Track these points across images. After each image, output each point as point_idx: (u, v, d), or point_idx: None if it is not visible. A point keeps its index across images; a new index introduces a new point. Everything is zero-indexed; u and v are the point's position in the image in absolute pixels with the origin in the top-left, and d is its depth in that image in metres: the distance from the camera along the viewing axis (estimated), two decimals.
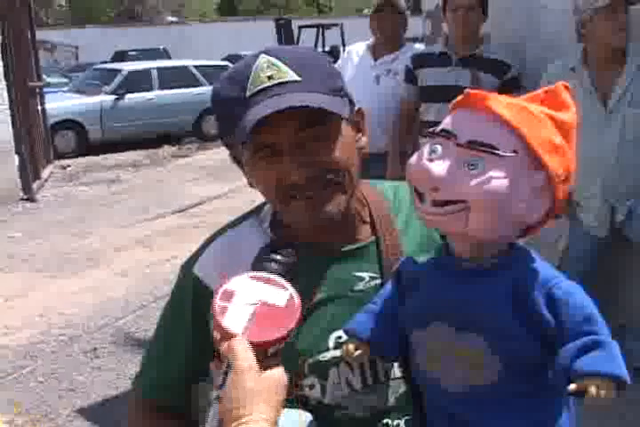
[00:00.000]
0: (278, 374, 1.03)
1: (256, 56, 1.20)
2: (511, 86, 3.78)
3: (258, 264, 1.13)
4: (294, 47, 1.35)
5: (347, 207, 1.25)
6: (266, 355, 1.03)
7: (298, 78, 1.18)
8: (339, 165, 1.21)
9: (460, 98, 1.10)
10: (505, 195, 1.02)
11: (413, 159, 1.10)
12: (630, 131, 3.40)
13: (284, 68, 1.18)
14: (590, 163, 3.44)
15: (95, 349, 4.63)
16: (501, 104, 1.05)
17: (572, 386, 0.97)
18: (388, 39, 4.51)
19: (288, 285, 1.08)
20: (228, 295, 1.06)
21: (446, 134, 1.07)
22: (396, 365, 1.27)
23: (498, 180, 1.02)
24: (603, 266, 3.72)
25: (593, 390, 0.96)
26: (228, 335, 1.02)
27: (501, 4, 4.19)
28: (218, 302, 1.05)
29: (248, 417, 0.95)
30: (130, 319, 5.08)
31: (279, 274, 1.10)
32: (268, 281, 1.08)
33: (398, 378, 1.27)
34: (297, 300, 1.07)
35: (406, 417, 1.27)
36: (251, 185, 1.29)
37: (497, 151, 1.02)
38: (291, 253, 1.14)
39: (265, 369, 1.01)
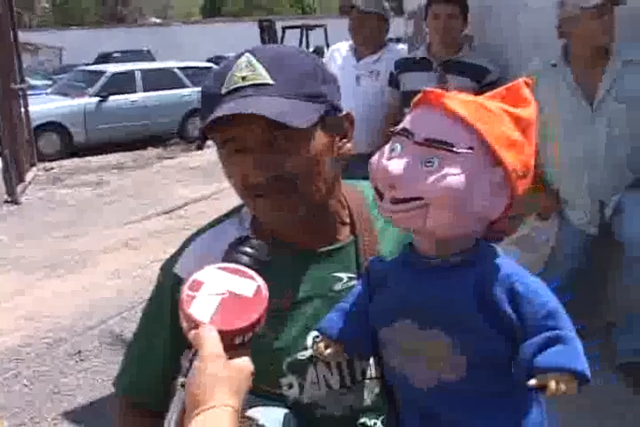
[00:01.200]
0: (244, 362, 1.03)
1: (239, 56, 1.22)
2: (490, 90, 3.79)
3: (228, 256, 1.13)
4: (281, 47, 1.35)
5: (308, 213, 1.24)
6: (232, 344, 1.03)
7: (270, 82, 1.19)
8: (299, 170, 1.20)
9: (418, 97, 1.11)
10: (462, 191, 1.03)
11: (374, 158, 1.12)
12: (617, 126, 3.40)
13: (260, 69, 1.19)
14: (578, 160, 3.47)
15: (81, 351, 4.61)
16: (457, 101, 1.07)
17: (532, 381, 0.98)
18: (366, 41, 4.53)
19: (257, 276, 1.09)
20: (197, 285, 1.07)
21: (405, 133, 1.08)
22: (372, 364, 1.28)
23: (454, 176, 1.03)
24: (589, 263, 3.73)
25: (553, 385, 0.96)
26: (195, 324, 1.03)
27: (482, 2, 4.21)
28: (186, 291, 1.06)
29: (211, 403, 0.95)
30: (116, 321, 5.07)
31: (249, 266, 1.10)
32: (237, 272, 1.09)
33: (375, 378, 1.28)
34: (265, 291, 1.07)
35: (383, 416, 1.28)
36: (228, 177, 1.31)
37: (452, 148, 1.03)
38: (262, 246, 1.15)
39: (231, 358, 1.02)
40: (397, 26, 5.32)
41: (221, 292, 1.06)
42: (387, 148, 1.10)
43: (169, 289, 1.34)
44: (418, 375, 1.13)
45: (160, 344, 1.37)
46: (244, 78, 1.19)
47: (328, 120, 1.24)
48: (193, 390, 0.97)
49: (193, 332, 1.03)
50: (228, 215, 1.41)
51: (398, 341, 1.15)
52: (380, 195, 1.10)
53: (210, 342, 1.00)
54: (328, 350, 1.19)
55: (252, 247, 1.14)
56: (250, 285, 1.07)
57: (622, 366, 3.46)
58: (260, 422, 1.14)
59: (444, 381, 1.10)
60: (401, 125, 1.10)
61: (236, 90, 1.18)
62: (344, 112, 1.29)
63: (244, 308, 1.05)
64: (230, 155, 1.22)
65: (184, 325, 1.06)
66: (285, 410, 1.20)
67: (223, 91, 1.19)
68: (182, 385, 1.00)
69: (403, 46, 5.12)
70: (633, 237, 3.40)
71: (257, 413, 1.16)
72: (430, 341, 1.10)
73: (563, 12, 3.45)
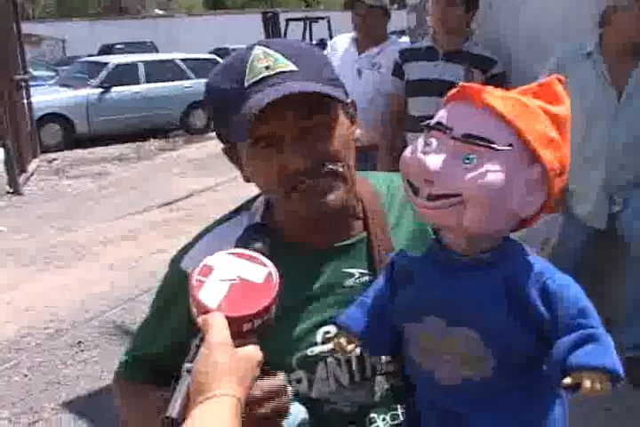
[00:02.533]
0: (252, 351, 1.01)
1: (250, 48, 1.20)
2: (496, 82, 3.79)
3: (241, 242, 1.12)
4: (286, 39, 1.35)
5: (347, 199, 1.24)
6: (241, 331, 1.01)
7: (295, 68, 1.17)
8: (338, 156, 1.20)
9: (454, 91, 1.09)
10: (500, 189, 1.01)
11: (407, 152, 1.09)
12: (639, 124, 3.37)
13: (280, 58, 1.18)
14: (597, 152, 3.44)
15: (80, 342, 4.62)
16: (496, 97, 1.04)
17: (567, 380, 0.97)
18: (368, 34, 4.52)
19: (268, 262, 1.07)
20: (207, 270, 1.05)
21: (441, 128, 1.05)
22: (382, 360, 1.27)
23: (493, 174, 1.01)
24: (590, 257, 3.72)
25: (588, 383, 0.95)
26: (203, 309, 1.02)
27: None
28: (196, 276, 1.05)
29: (214, 392, 0.94)
30: (116, 313, 5.07)
31: (261, 252, 1.09)
32: (248, 258, 1.07)
33: (385, 374, 1.27)
34: (275, 277, 1.05)
35: (392, 412, 1.27)
36: (247, 180, 1.28)
37: (492, 145, 1.01)
38: (274, 231, 1.13)
39: (239, 346, 1.00)
40: (400, 19, 5.31)
41: (231, 277, 1.04)
42: (420, 142, 1.08)
43: (175, 284, 1.33)
44: (443, 373, 1.12)
45: (164, 335, 1.36)
46: (267, 68, 1.16)
47: (345, 106, 1.25)
48: (197, 378, 0.96)
49: (201, 317, 1.02)
50: (236, 212, 1.39)
51: (423, 337, 1.13)
52: (415, 190, 1.08)
53: (217, 328, 0.99)
54: (350, 346, 1.18)
55: (265, 233, 1.13)
56: (260, 271, 1.06)
57: (622, 361, 3.45)
58: None
59: (470, 378, 1.09)
60: (435, 119, 1.08)
61: (260, 81, 1.16)
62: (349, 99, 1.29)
63: (253, 294, 1.03)
64: (263, 151, 1.19)
65: (193, 310, 1.05)
66: (298, 405, 1.19)
67: (247, 83, 1.16)
68: (188, 371, 0.98)
69: (405, 39, 5.10)
70: (636, 235, 3.39)
71: None
72: (457, 337, 1.09)
73: (610, 0, 3.39)
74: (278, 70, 1.16)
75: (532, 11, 3.96)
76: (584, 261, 3.69)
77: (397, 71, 4.28)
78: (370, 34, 4.49)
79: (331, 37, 21.28)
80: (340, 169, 1.20)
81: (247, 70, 1.17)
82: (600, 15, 3.48)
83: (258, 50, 1.19)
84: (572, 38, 3.56)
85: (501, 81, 3.84)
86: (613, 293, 3.68)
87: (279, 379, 1.08)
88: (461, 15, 4.02)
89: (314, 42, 21.08)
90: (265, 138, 1.18)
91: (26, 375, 4.23)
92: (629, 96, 3.39)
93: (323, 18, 21.86)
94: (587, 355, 0.97)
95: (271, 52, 1.18)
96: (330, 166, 1.19)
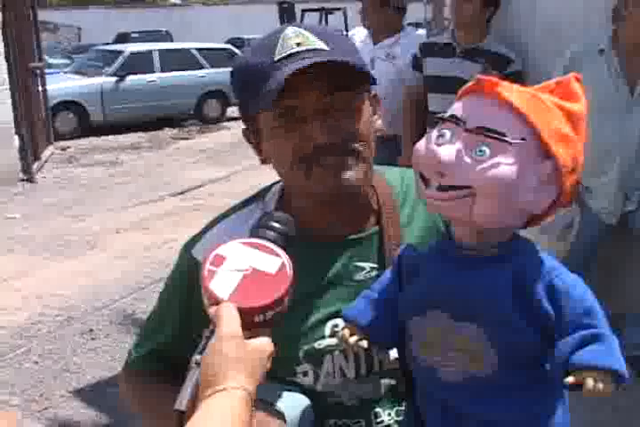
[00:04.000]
0: (263, 343, 1.00)
1: (282, 28, 1.20)
2: (512, 81, 3.76)
3: (255, 231, 1.10)
4: (317, 25, 1.36)
5: (365, 179, 1.23)
6: (253, 323, 1.00)
7: (326, 47, 1.18)
8: (361, 135, 1.20)
9: (470, 84, 1.09)
10: (511, 182, 1.01)
11: (421, 144, 1.09)
12: None
13: (311, 37, 1.18)
14: (610, 147, 3.41)
15: (91, 330, 4.64)
16: (512, 91, 1.04)
17: (570, 378, 0.96)
18: (377, 31, 4.58)
19: (282, 252, 1.05)
20: (219, 260, 1.03)
21: (455, 120, 1.05)
22: (390, 355, 1.26)
23: (505, 166, 1.00)
24: (603, 253, 3.70)
25: (590, 383, 0.95)
26: (214, 300, 1.01)
27: None
28: (208, 266, 1.03)
29: (224, 385, 0.93)
30: (127, 301, 5.09)
31: (275, 242, 1.07)
32: (261, 248, 1.05)
33: (391, 369, 1.26)
34: (289, 268, 1.04)
35: (397, 407, 1.27)
36: (263, 162, 1.28)
37: (505, 138, 1.01)
38: (290, 221, 1.11)
39: (250, 337, 0.98)
40: (418, 10, 5.30)
41: (244, 268, 1.02)
42: (434, 133, 1.07)
43: (185, 271, 1.33)
44: (446, 368, 1.11)
45: (171, 322, 1.36)
46: (298, 44, 1.17)
47: (371, 92, 1.26)
48: (207, 370, 0.95)
49: (212, 308, 1.00)
50: (251, 200, 1.38)
51: (428, 331, 1.13)
52: (426, 181, 1.07)
53: (228, 320, 0.97)
54: (353, 338, 1.17)
55: (278, 222, 1.11)
56: (274, 261, 1.04)
57: (630, 358, 3.43)
58: (277, 408, 1.12)
59: (473, 374, 1.09)
60: (449, 112, 1.08)
61: (290, 56, 1.16)
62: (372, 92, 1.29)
63: (265, 285, 1.01)
64: (289, 123, 1.19)
65: (205, 301, 1.03)
66: (303, 397, 1.19)
67: (277, 57, 1.16)
68: (197, 363, 0.97)
69: (421, 31, 5.08)
70: None
71: (274, 398, 1.14)
72: (462, 333, 1.09)
73: None
74: (310, 47, 1.17)
75: (551, 2, 3.92)
76: (599, 256, 3.66)
77: (416, 65, 4.28)
78: (382, 30, 4.53)
79: (347, 29, 21.21)
80: (361, 148, 1.20)
81: (278, 46, 1.17)
82: (612, 10, 3.44)
83: (289, 29, 1.20)
84: (592, 30, 3.51)
85: (518, 79, 3.81)
86: (628, 290, 3.66)
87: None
88: (477, 10, 3.99)
89: None
90: (289, 110, 1.18)
91: (36, 362, 4.25)
92: None
93: (339, 9, 21.78)
94: (590, 355, 0.97)
95: (303, 31, 1.19)
96: (353, 144, 1.19)
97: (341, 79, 1.15)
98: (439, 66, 4.10)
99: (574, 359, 0.97)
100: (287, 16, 19.28)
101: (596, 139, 3.38)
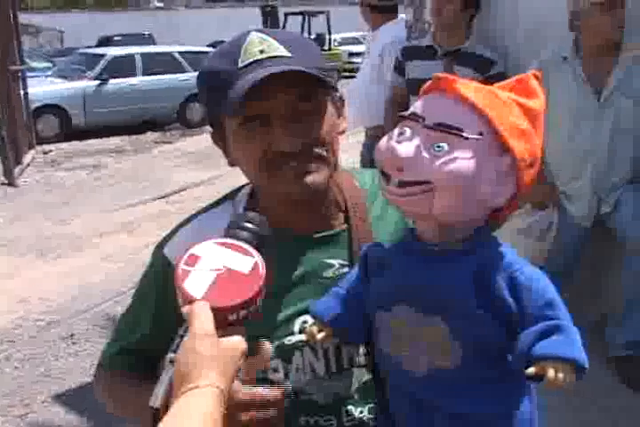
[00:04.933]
0: (236, 342, 1.00)
1: (246, 33, 1.22)
2: (494, 83, 3.77)
3: (228, 231, 1.11)
4: (282, 30, 1.38)
5: (328, 182, 1.26)
6: (226, 321, 1.01)
7: (289, 54, 1.20)
8: (325, 140, 1.23)
9: (429, 83, 1.12)
10: (469, 176, 1.03)
11: (382, 141, 1.11)
12: (624, 122, 3.38)
13: (275, 43, 1.20)
14: (582, 153, 3.45)
15: (73, 334, 4.61)
16: (469, 88, 1.07)
17: (531, 369, 0.97)
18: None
19: (255, 252, 1.07)
20: (193, 260, 1.05)
21: (415, 117, 1.08)
22: (360, 352, 1.27)
23: (462, 160, 1.03)
24: (585, 255, 3.72)
25: (551, 373, 0.96)
26: (188, 299, 1.01)
27: None
28: (182, 266, 1.04)
29: (197, 382, 0.93)
30: (109, 305, 5.06)
31: (248, 242, 1.08)
32: (234, 248, 1.07)
33: (362, 366, 1.28)
34: (262, 268, 1.05)
35: (369, 405, 1.28)
36: (231, 164, 1.30)
37: (463, 133, 1.03)
38: (263, 221, 1.13)
39: (224, 336, 0.99)
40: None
41: (217, 267, 1.04)
42: (395, 131, 1.10)
43: (158, 270, 1.35)
44: (412, 361, 1.13)
45: (145, 321, 1.37)
46: (261, 51, 1.19)
47: (335, 96, 1.28)
48: (180, 368, 0.96)
49: (186, 307, 1.01)
50: (222, 200, 1.40)
51: (394, 326, 1.14)
52: (387, 177, 1.09)
53: (201, 319, 0.98)
54: (320, 335, 1.19)
55: (251, 222, 1.12)
56: (247, 261, 1.05)
57: (613, 359, 3.45)
58: None
59: (439, 367, 1.10)
60: (410, 110, 1.10)
61: (253, 63, 1.18)
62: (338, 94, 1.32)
63: (239, 284, 1.02)
64: (252, 130, 1.21)
65: (179, 300, 1.04)
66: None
67: (241, 64, 1.19)
68: (171, 361, 0.98)
69: (402, 16, 5.15)
70: (631, 234, 3.38)
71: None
72: (427, 326, 1.10)
73: (574, 5, 3.42)
74: (272, 54, 1.19)
75: (534, 3, 3.93)
76: (579, 256, 3.69)
77: (398, 67, 4.33)
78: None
79: (329, 32, 21.31)
80: (325, 153, 1.24)
81: (242, 53, 1.20)
82: (569, 20, 3.49)
83: (253, 35, 1.22)
84: (558, 38, 3.57)
85: (499, 81, 3.81)
86: (610, 290, 3.68)
87: (276, 392, 1.08)
88: (458, 11, 4.01)
89: (312, 36, 21.09)
90: (255, 118, 1.20)
91: (17, 367, 4.22)
92: (610, 96, 3.39)
93: (322, 12, 21.84)
94: (551, 345, 0.98)
95: (267, 37, 1.21)
96: (316, 150, 1.22)
97: (303, 87, 1.18)
98: (421, 69, 4.12)
99: (536, 350, 0.99)
100: (270, 19, 19.34)
101: (569, 145, 3.44)
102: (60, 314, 4.94)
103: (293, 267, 1.29)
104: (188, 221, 1.40)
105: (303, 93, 1.19)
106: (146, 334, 1.36)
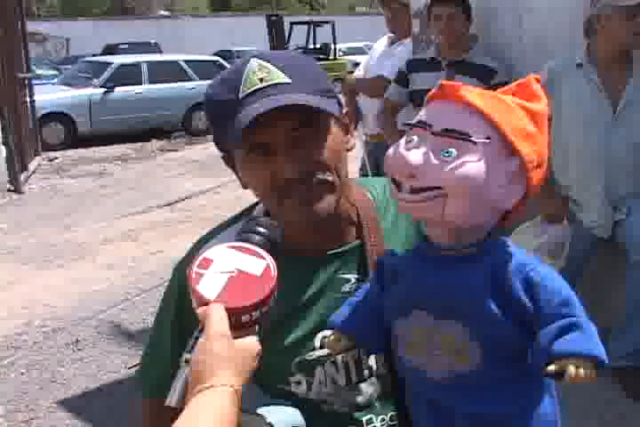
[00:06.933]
0: (250, 342, 1.03)
1: (247, 60, 1.23)
2: None
3: (241, 235, 1.14)
4: (283, 51, 1.41)
5: (336, 207, 1.26)
6: (239, 323, 1.03)
7: (288, 80, 1.21)
8: (329, 165, 1.23)
9: (434, 90, 1.13)
10: (479, 180, 1.04)
11: (391, 150, 1.13)
12: (638, 132, 3.37)
13: (274, 70, 1.21)
14: (597, 161, 3.43)
15: (78, 341, 4.62)
16: (473, 94, 1.09)
17: (551, 367, 0.98)
18: (394, 30, 4.95)
19: (267, 255, 1.09)
20: (206, 263, 1.08)
21: (422, 125, 1.09)
22: (380, 362, 1.29)
23: (472, 165, 1.04)
24: (589, 267, 3.71)
25: (572, 369, 0.97)
26: (202, 301, 1.04)
27: (487, 4, 4.22)
28: (195, 269, 1.07)
29: (211, 382, 0.96)
30: (113, 312, 5.07)
31: (260, 245, 1.11)
32: (246, 251, 1.09)
33: (382, 375, 1.29)
34: (273, 270, 1.08)
35: (390, 413, 1.29)
36: (245, 187, 1.31)
37: (470, 138, 1.05)
38: (274, 225, 1.16)
39: (237, 337, 1.02)
40: None
41: (230, 270, 1.06)
42: (403, 140, 1.11)
43: (176, 288, 1.35)
44: (432, 366, 1.13)
45: (167, 346, 1.36)
46: (261, 80, 1.20)
47: (339, 116, 1.28)
48: (196, 368, 0.98)
49: (201, 309, 1.04)
50: (236, 218, 1.41)
51: (413, 332, 1.15)
52: (398, 185, 1.11)
53: (216, 320, 1.00)
54: (339, 345, 1.20)
55: (264, 227, 1.15)
56: (258, 263, 1.08)
57: (615, 370, 3.46)
58: (268, 421, 1.14)
59: (459, 371, 1.11)
60: (416, 118, 1.12)
61: (254, 93, 1.19)
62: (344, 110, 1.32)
63: (251, 286, 1.05)
64: (257, 159, 1.23)
65: (193, 302, 1.07)
66: (294, 411, 1.21)
67: (242, 94, 1.20)
68: (187, 362, 1.01)
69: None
70: (636, 242, 3.39)
71: (266, 411, 1.16)
72: (445, 331, 1.11)
73: (593, 10, 3.39)
74: (272, 82, 1.20)
75: (538, 17, 3.97)
76: (585, 271, 3.68)
77: (401, 79, 4.35)
78: (396, 29, 4.92)
79: (334, 42, 21.35)
80: (330, 178, 1.24)
81: (242, 82, 1.21)
82: (584, 23, 3.48)
83: (253, 62, 1.22)
84: (579, 44, 3.56)
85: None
86: (613, 304, 3.68)
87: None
88: (464, 26, 4.10)
89: (317, 45, 21.13)
90: (258, 147, 1.22)
91: (22, 373, 4.23)
92: (628, 104, 3.38)
93: (327, 22, 21.89)
94: (571, 342, 0.99)
95: (266, 64, 1.22)
96: (319, 176, 1.23)
97: (304, 114, 1.19)
98: (426, 80, 4.14)
99: (556, 348, 0.99)
100: (276, 29, 19.36)
101: (582, 153, 3.44)
102: (64, 321, 4.96)
103: (311, 282, 1.30)
104: (205, 240, 1.39)
105: (304, 120, 1.20)
106: (172, 358, 1.29)
